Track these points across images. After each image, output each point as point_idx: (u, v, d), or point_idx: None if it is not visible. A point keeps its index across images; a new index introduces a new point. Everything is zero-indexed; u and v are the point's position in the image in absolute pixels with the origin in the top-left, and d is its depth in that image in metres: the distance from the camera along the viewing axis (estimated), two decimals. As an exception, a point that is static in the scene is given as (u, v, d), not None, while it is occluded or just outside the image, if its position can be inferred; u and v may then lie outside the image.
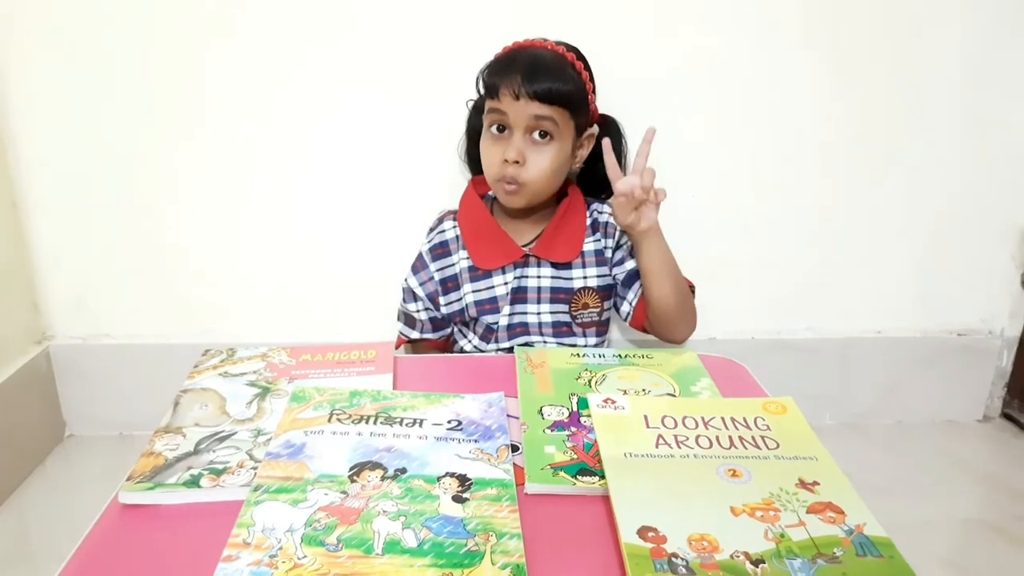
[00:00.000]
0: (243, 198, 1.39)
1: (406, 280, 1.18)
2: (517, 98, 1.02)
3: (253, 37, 1.30)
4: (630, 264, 1.14)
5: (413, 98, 1.34)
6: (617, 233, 1.14)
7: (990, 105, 1.43)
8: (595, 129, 1.13)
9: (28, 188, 1.36)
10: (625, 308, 1.15)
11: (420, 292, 1.16)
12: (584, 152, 1.13)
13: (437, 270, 1.15)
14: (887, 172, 1.46)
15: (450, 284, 1.15)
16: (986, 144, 1.46)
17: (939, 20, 1.37)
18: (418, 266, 1.17)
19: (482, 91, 1.08)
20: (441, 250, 1.16)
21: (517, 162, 1.04)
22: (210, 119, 1.34)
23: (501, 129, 1.06)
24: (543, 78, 1.02)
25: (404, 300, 1.20)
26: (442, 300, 1.16)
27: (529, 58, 1.05)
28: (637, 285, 1.13)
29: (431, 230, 1.19)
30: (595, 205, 1.17)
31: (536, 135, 1.04)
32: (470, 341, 1.19)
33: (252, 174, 1.38)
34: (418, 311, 1.18)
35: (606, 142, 1.06)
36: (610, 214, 1.15)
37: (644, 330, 1.17)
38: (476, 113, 1.17)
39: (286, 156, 1.37)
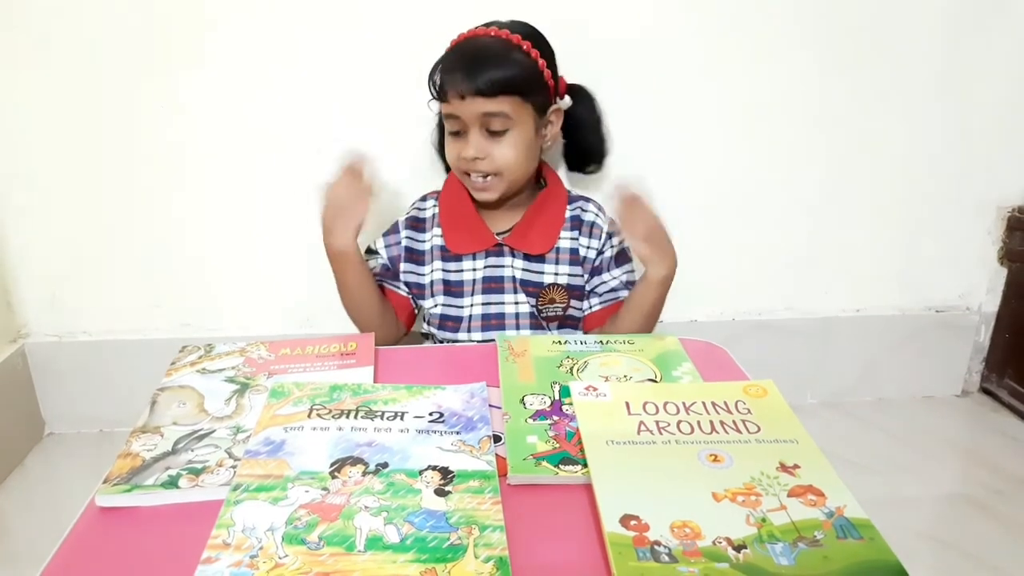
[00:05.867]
0: (216, 192, 1.38)
1: (374, 242, 1.16)
2: (463, 98, 1.00)
3: (227, 31, 1.27)
4: (606, 277, 1.14)
5: (387, 86, 1.32)
6: (603, 237, 1.13)
7: (965, 83, 1.44)
8: (563, 103, 1.12)
9: (-3, 184, 1.34)
10: (583, 309, 1.16)
11: (383, 253, 1.15)
12: (554, 129, 1.11)
13: (407, 238, 1.14)
14: (864, 151, 1.47)
15: (416, 256, 1.15)
16: (962, 122, 1.46)
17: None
18: (389, 230, 1.16)
19: (435, 95, 1.07)
20: (417, 224, 1.16)
21: (479, 158, 1.03)
22: (180, 115, 1.32)
23: (457, 132, 1.05)
24: (484, 71, 0.99)
25: (366, 258, 1.15)
26: (402, 267, 1.14)
27: (469, 52, 1.03)
28: (601, 300, 1.14)
29: (412, 205, 1.18)
30: (580, 202, 1.15)
31: (491, 129, 1.03)
32: (436, 336, 1.17)
33: (225, 168, 1.36)
34: (377, 258, 1.16)
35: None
36: (596, 213, 1.14)
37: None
38: None
39: (258, 149, 1.35)
